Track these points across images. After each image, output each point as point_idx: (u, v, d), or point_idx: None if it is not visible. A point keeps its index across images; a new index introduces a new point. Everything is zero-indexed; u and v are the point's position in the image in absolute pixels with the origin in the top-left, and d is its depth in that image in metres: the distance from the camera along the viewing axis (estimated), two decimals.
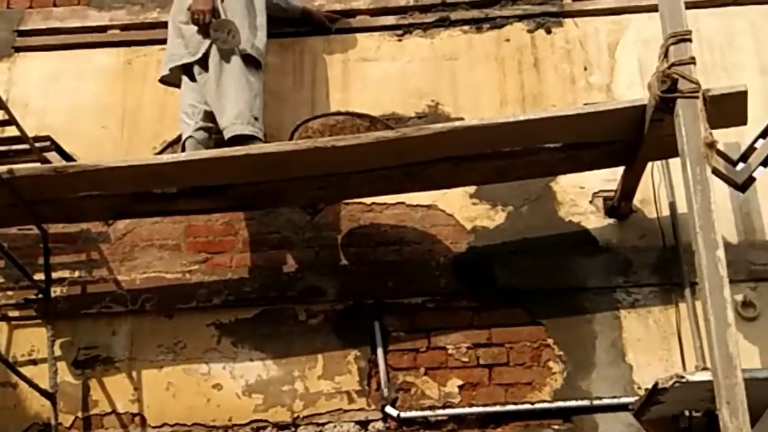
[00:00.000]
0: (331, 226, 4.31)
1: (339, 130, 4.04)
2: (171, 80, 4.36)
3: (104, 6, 4.93)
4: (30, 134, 4.17)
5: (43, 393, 3.98)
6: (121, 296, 4.23)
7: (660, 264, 4.08)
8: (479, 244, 4.22)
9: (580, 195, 4.27)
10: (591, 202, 4.26)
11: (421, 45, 4.67)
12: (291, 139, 4.06)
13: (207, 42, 4.16)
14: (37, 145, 4.22)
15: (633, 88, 4.37)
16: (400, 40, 4.71)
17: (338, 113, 4.17)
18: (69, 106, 4.68)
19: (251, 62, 4.18)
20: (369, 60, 4.67)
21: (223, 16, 4.19)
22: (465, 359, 4.01)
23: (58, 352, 4.12)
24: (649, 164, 4.02)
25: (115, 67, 4.77)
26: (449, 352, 4.02)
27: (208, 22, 4.14)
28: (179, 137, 4.30)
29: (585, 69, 4.54)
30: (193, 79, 4.25)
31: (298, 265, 4.24)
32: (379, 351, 4.01)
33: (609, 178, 4.19)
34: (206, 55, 4.17)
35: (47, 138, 4.33)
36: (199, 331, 4.15)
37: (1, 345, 4.16)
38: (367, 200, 4.30)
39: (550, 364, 3.97)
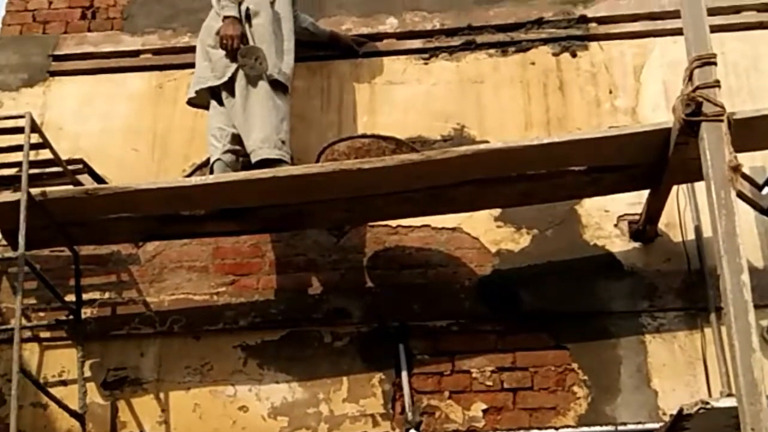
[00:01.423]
0: (357, 249, 4.34)
1: (365, 152, 4.08)
2: (198, 102, 4.43)
3: (137, 31, 5.03)
4: (63, 157, 4.27)
5: (73, 414, 4.04)
6: (149, 318, 4.28)
7: (685, 288, 4.06)
8: (504, 267, 4.22)
9: (605, 218, 4.26)
10: (616, 225, 4.25)
11: (447, 68, 4.71)
12: (317, 161, 4.11)
13: (233, 66, 4.23)
14: (70, 167, 4.32)
15: (658, 112, 4.37)
16: (426, 64, 4.75)
17: (364, 136, 4.21)
18: (101, 130, 4.77)
19: (278, 86, 4.24)
20: (395, 83, 4.71)
21: (251, 41, 4.26)
22: (489, 383, 4.01)
23: (87, 373, 4.18)
24: (675, 187, 4.01)
25: (147, 91, 4.86)
26: (474, 375, 4.02)
27: (236, 48, 4.20)
28: (208, 160, 4.37)
29: (610, 92, 4.54)
30: (221, 102, 4.31)
31: (323, 288, 4.27)
32: (404, 374, 4.02)
33: (634, 201, 4.18)
34: (233, 78, 4.23)
35: (80, 161, 4.43)
36: (226, 352, 4.18)
37: (32, 365, 4.23)
38: (393, 223, 4.33)
39: (575, 388, 3.96)
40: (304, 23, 4.68)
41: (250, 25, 4.32)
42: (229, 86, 4.26)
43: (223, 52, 4.25)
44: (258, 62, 4.19)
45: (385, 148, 4.10)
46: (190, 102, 4.46)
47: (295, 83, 4.45)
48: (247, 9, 4.33)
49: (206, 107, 4.42)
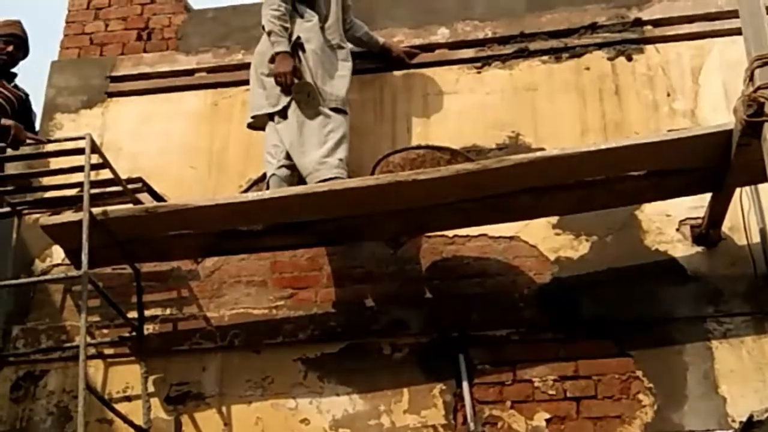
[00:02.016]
0: (414, 260, 4.32)
1: (420, 163, 4.08)
2: (257, 125, 4.49)
3: (191, 50, 5.11)
4: (123, 176, 4.34)
5: (138, 429, 4.09)
6: (210, 333, 4.32)
7: (752, 292, 3.96)
8: (564, 274, 4.18)
9: (667, 223, 4.19)
10: (678, 230, 4.17)
11: (500, 76, 4.68)
12: (372, 173, 4.12)
13: (287, 96, 4.29)
14: (130, 186, 4.39)
15: (718, 113, 4.29)
16: (479, 72, 4.73)
17: (418, 147, 4.22)
18: (159, 148, 4.85)
19: (335, 109, 4.27)
20: (448, 93, 4.70)
21: (305, 70, 4.28)
22: (552, 392, 3.95)
23: (151, 389, 4.23)
24: (738, 190, 3.93)
25: (203, 109, 4.92)
26: (536, 384, 3.97)
27: (289, 84, 4.25)
28: (264, 175, 4.42)
29: (668, 95, 4.47)
30: (276, 122, 4.36)
31: (382, 299, 4.26)
32: (465, 384, 3.99)
33: (696, 205, 4.10)
34: (287, 106, 4.30)
35: (139, 179, 4.49)
36: (286, 366, 4.20)
37: (97, 382, 4.29)
38: (450, 233, 4.31)
39: (640, 396, 3.88)
40: (359, 32, 4.72)
41: (303, 51, 4.36)
42: (283, 111, 4.32)
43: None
44: (311, 98, 4.25)
45: (440, 159, 4.10)
46: (250, 126, 4.52)
47: (349, 96, 4.46)
48: (298, 38, 4.37)
49: (263, 129, 4.48)
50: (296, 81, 4.26)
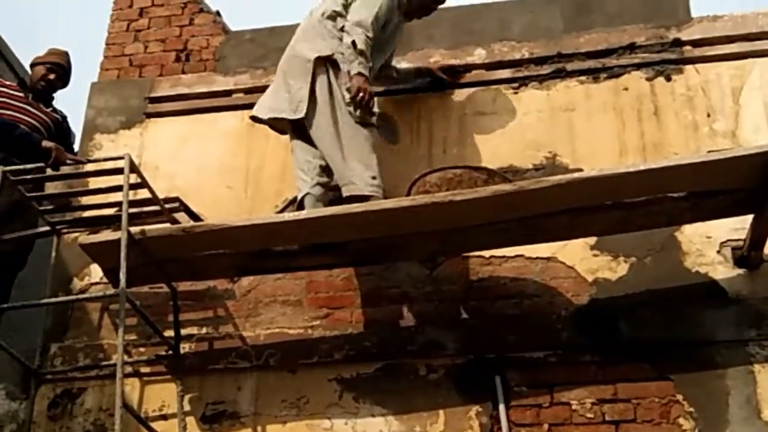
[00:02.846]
0: (450, 280, 4.30)
1: (456, 183, 4.06)
2: (264, 122, 4.51)
3: (229, 71, 5.15)
4: (160, 196, 4.37)
5: None
6: (246, 352, 4.32)
7: None
8: (602, 296, 4.13)
9: (707, 245, 4.14)
10: (719, 251, 4.12)
11: (537, 97, 4.67)
12: (408, 193, 4.11)
13: (306, 101, 4.29)
14: (167, 206, 4.42)
15: (759, 134, 4.25)
16: (516, 93, 4.72)
17: (455, 167, 4.20)
18: (196, 168, 4.88)
19: (372, 125, 4.28)
20: (485, 113, 4.70)
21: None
22: (590, 415, 3.90)
23: (187, 408, 4.24)
24: None
25: (239, 129, 4.95)
26: (573, 407, 3.92)
27: (370, 105, 4.23)
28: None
29: (708, 116, 4.43)
30: (303, 134, 4.36)
31: (417, 320, 4.24)
32: (501, 407, 3.94)
33: (737, 226, 4.05)
34: (308, 114, 4.29)
35: (176, 199, 4.53)
36: (322, 386, 4.18)
37: (134, 400, 4.30)
38: (486, 253, 4.28)
39: (681, 420, 3.81)
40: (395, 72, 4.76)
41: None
42: (308, 121, 4.31)
43: (302, 87, 4.31)
44: (377, 126, 4.31)
45: (477, 179, 4.07)
46: (256, 120, 4.52)
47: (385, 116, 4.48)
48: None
49: (265, 123, 4.51)
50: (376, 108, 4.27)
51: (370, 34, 4.30)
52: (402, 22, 4.61)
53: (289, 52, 4.53)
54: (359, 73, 4.22)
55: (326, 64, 4.35)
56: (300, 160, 4.40)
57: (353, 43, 4.25)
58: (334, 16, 4.44)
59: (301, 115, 4.32)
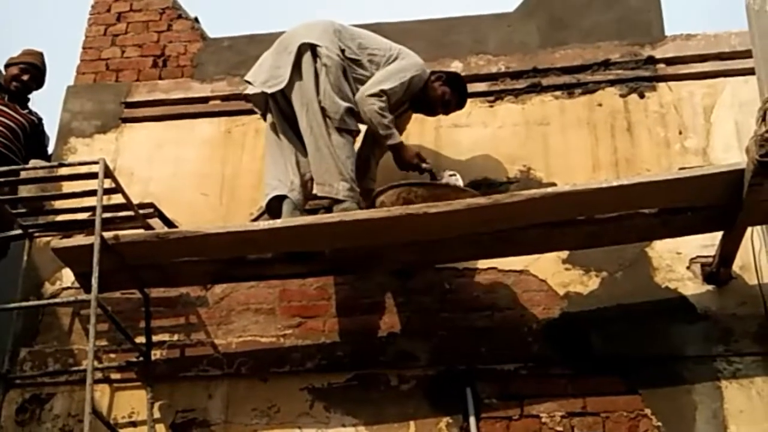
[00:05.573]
0: (423, 291, 4.32)
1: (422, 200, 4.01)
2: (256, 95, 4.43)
3: (206, 78, 5.15)
4: (135, 201, 4.34)
5: None
6: (217, 360, 4.31)
7: (762, 332, 3.94)
8: (573, 310, 4.17)
9: (677, 261, 4.19)
10: (688, 267, 4.17)
11: (513, 111, 4.71)
12: (373, 204, 4.09)
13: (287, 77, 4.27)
14: (141, 211, 4.39)
15: (730, 152, 4.30)
16: (491, 106, 4.76)
17: (418, 184, 4.10)
18: (171, 174, 4.87)
19: (344, 131, 4.26)
20: (461, 126, 4.72)
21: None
22: (559, 428, 3.92)
23: (157, 415, 4.21)
24: (749, 229, 3.92)
25: (216, 136, 4.95)
26: (543, 420, 3.94)
27: (425, 163, 4.30)
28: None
29: (680, 133, 4.49)
30: (279, 134, 4.35)
31: (390, 330, 4.25)
32: (471, 419, 3.96)
33: (707, 243, 4.10)
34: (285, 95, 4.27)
35: (150, 205, 4.50)
36: (293, 395, 4.18)
37: (103, 406, 4.27)
38: (459, 265, 4.31)
39: None
40: None
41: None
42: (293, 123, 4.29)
43: (292, 59, 4.29)
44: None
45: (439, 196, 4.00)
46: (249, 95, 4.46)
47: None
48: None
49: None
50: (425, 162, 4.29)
51: (383, 101, 4.21)
52: (408, 111, 4.57)
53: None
54: (398, 144, 4.24)
55: (313, 54, 4.29)
56: (277, 162, 4.35)
57: (378, 109, 4.20)
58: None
59: (277, 88, 4.28)
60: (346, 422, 4.09)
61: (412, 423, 4.04)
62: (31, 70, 5.07)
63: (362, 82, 4.33)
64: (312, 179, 4.26)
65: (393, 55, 4.40)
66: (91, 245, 3.94)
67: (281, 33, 4.53)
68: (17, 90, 5.04)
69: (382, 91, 4.23)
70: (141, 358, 4.28)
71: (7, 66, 5.12)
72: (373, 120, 4.22)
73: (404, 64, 4.37)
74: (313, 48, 4.29)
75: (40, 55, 5.15)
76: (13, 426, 4.30)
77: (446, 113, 4.56)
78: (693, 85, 4.58)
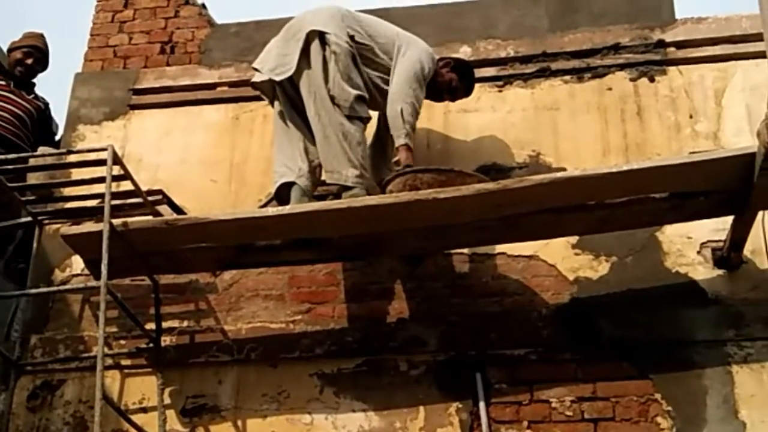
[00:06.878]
0: (433, 277, 4.31)
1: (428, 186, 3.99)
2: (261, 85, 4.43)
3: (214, 64, 5.14)
4: (143, 188, 4.36)
5: None
6: (227, 346, 4.31)
7: None
8: (582, 295, 4.16)
9: (688, 245, 4.17)
10: (699, 252, 4.15)
11: (522, 95, 4.69)
12: (383, 191, 4.08)
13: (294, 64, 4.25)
14: (150, 198, 4.40)
15: (741, 136, 4.27)
16: (500, 91, 4.73)
17: (426, 170, 4.09)
18: (180, 161, 4.87)
19: (354, 118, 4.25)
20: (470, 111, 4.70)
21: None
22: (569, 413, 3.92)
23: (167, 401, 4.23)
24: (760, 213, 3.90)
25: (224, 123, 4.94)
26: (553, 405, 3.94)
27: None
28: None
29: (690, 117, 4.46)
30: (287, 121, 4.34)
31: (399, 316, 4.25)
32: (481, 404, 3.96)
33: (718, 227, 4.08)
34: (294, 84, 4.26)
35: (159, 192, 4.51)
36: (302, 380, 4.18)
37: (114, 393, 4.29)
38: (468, 251, 4.30)
39: (659, 419, 3.85)
40: None
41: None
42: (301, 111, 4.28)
43: (300, 47, 4.26)
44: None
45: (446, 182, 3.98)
46: (257, 82, 4.44)
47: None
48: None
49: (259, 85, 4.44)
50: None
51: (417, 106, 4.22)
52: None
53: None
54: (405, 146, 4.17)
55: (322, 41, 4.26)
56: (285, 148, 4.35)
57: (401, 111, 4.17)
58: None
59: (285, 76, 4.27)
60: (355, 408, 4.10)
61: (421, 408, 4.05)
62: (35, 53, 5.07)
63: (375, 67, 4.31)
64: (320, 165, 4.26)
65: (401, 45, 4.37)
66: (101, 232, 3.95)
67: (289, 19, 4.52)
68: (22, 75, 5.04)
69: (416, 99, 4.21)
70: (151, 345, 4.29)
71: (9, 51, 5.12)
72: (400, 119, 4.16)
73: (416, 57, 4.31)
74: (321, 35, 4.27)
75: (42, 36, 5.14)
76: (24, 413, 4.32)
77: (453, 100, 4.54)
78: (704, 68, 4.55)
